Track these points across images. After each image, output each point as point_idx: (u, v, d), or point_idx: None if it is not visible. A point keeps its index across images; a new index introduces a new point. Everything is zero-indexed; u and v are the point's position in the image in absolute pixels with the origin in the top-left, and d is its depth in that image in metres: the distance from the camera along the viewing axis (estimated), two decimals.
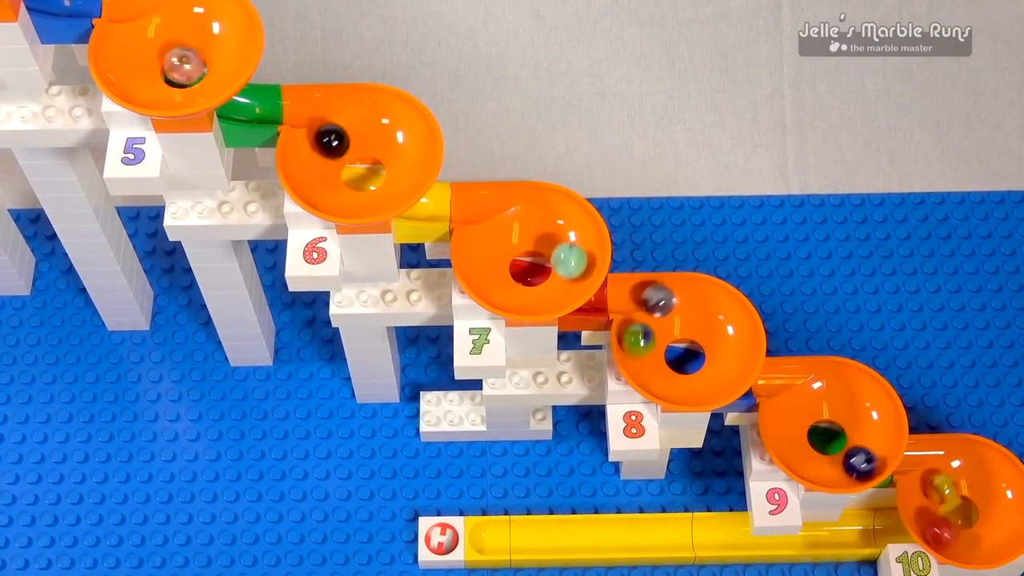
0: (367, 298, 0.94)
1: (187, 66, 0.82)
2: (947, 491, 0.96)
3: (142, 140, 0.86)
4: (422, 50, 1.21)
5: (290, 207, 0.88)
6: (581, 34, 1.22)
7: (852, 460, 0.92)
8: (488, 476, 1.06)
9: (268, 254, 1.14)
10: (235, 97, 0.85)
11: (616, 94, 1.20)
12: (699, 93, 1.20)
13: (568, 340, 0.98)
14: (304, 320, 1.12)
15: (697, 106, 1.20)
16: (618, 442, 0.95)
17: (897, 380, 1.09)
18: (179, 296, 1.13)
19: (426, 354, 1.11)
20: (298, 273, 0.89)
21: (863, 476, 0.93)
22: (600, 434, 1.07)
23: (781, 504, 0.97)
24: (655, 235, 1.15)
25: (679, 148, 1.19)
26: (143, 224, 1.16)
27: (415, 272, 0.95)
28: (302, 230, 0.90)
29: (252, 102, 0.86)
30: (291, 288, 0.90)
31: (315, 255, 0.90)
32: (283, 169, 0.85)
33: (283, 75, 1.21)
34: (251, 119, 0.86)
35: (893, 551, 0.99)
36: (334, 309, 0.94)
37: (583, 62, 1.21)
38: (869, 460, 0.92)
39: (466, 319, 0.93)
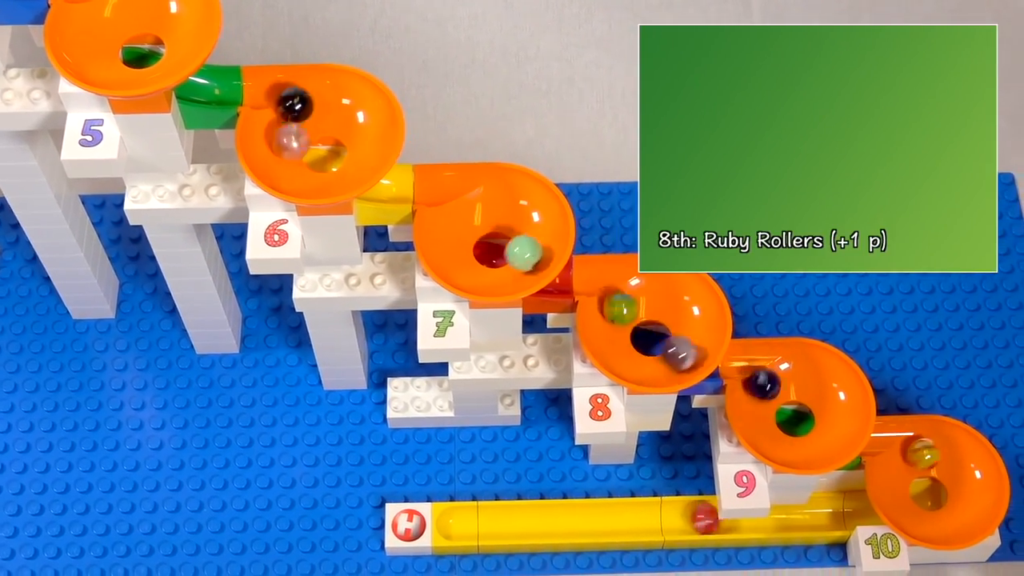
0: (331, 282, 0.94)
1: (294, 144, 0.84)
2: (927, 456, 0.95)
3: (100, 122, 0.86)
4: (390, 36, 1.21)
5: (251, 189, 0.87)
6: (550, 19, 1.21)
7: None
8: (456, 462, 1.06)
9: (234, 241, 1.13)
10: (194, 78, 0.84)
11: (585, 79, 1.20)
12: None
13: (537, 325, 0.98)
14: (271, 307, 1.11)
15: None
16: (584, 425, 0.95)
17: (867, 363, 1.08)
18: (145, 284, 1.12)
19: (394, 340, 1.10)
20: (259, 256, 0.89)
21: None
22: (569, 419, 1.07)
23: (749, 486, 0.97)
24: (624, 220, 1.15)
25: None
26: (108, 212, 1.15)
27: (379, 255, 0.95)
28: (263, 212, 0.89)
29: (211, 83, 0.85)
30: (252, 271, 0.89)
31: (276, 237, 0.89)
32: (243, 150, 0.84)
33: (251, 61, 1.19)
34: (210, 100, 0.85)
35: (862, 533, 0.99)
36: (297, 293, 0.93)
37: (552, 47, 1.21)
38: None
39: (430, 302, 0.92)
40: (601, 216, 1.15)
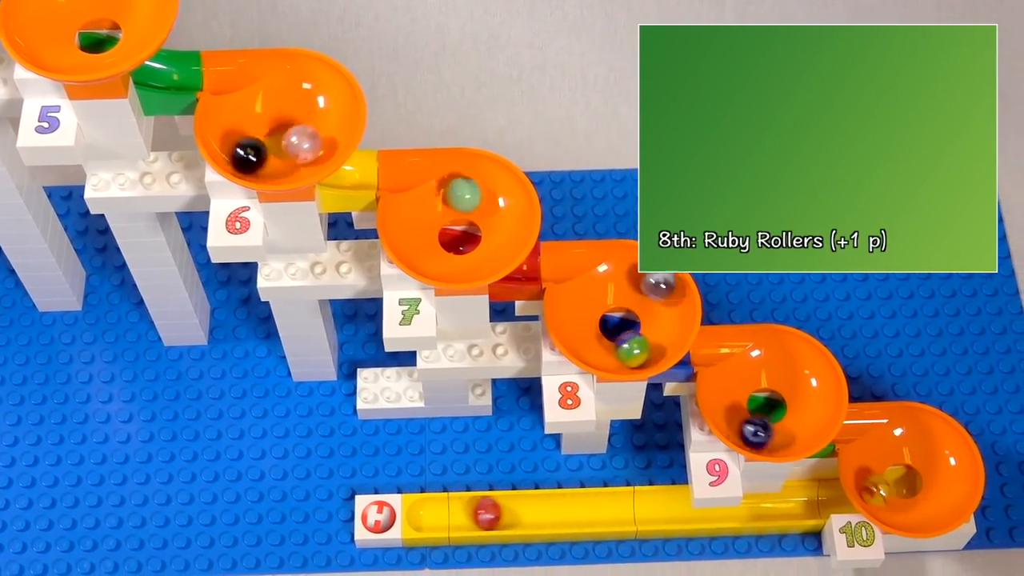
0: (296, 271, 0.92)
1: (306, 145, 0.82)
2: (882, 492, 0.95)
3: (57, 108, 0.84)
4: (359, 23, 1.19)
5: (211, 176, 0.86)
6: (520, 6, 1.20)
7: (745, 429, 0.91)
8: (427, 453, 1.04)
9: (203, 231, 1.12)
10: (151, 63, 0.83)
11: (557, 66, 1.19)
12: None
13: (509, 313, 0.97)
14: (240, 298, 1.10)
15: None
16: (553, 413, 0.93)
17: (842, 350, 1.07)
18: (112, 276, 1.11)
19: (364, 331, 1.09)
20: (220, 243, 0.87)
21: (755, 446, 0.91)
22: (541, 409, 1.05)
23: (721, 475, 0.96)
24: (597, 208, 1.14)
25: (622, 120, 1.17)
26: (76, 203, 1.13)
27: (345, 243, 0.93)
28: (224, 200, 0.88)
29: (169, 68, 0.84)
30: (213, 259, 0.88)
31: (238, 225, 0.87)
32: (201, 136, 0.83)
33: (219, 49, 1.18)
34: (169, 86, 0.84)
35: (837, 522, 0.98)
36: (262, 282, 0.92)
37: (523, 34, 1.19)
38: (763, 429, 0.91)
39: (395, 290, 0.91)
40: (573, 204, 1.14)
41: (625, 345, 0.87)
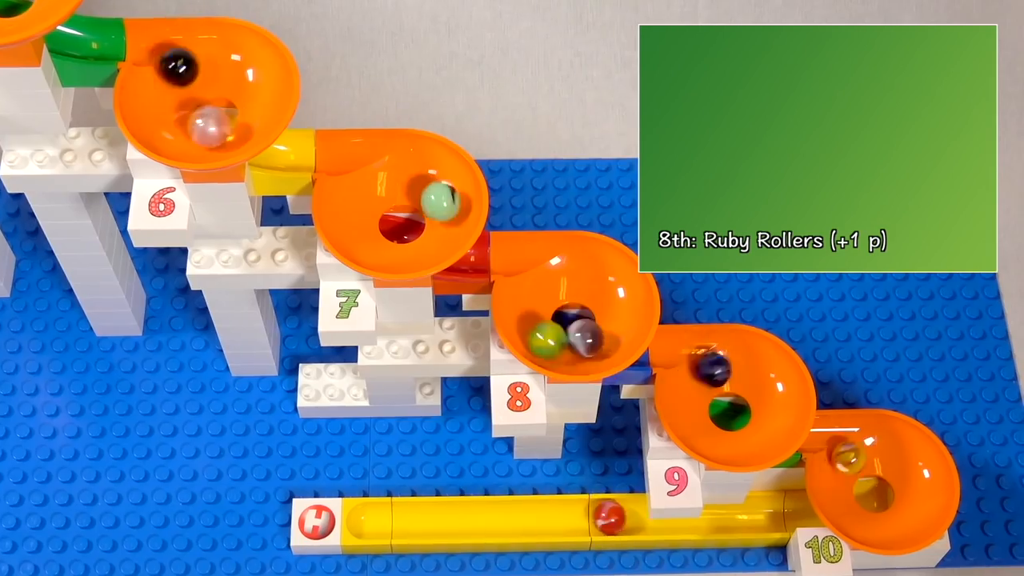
0: (228, 258, 0.87)
1: (212, 129, 0.76)
2: (852, 460, 0.89)
3: None
4: (312, 0, 1.14)
5: (133, 153, 0.80)
6: None
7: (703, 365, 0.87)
8: (371, 455, 0.99)
9: None
10: (68, 29, 0.77)
11: (520, 49, 1.14)
12: (608, 49, 1.14)
13: (460, 310, 0.91)
14: (177, 287, 1.04)
15: (606, 63, 1.13)
16: (502, 415, 0.88)
17: (813, 354, 1.02)
18: (43, 261, 1.05)
19: (308, 324, 1.03)
20: (142, 226, 0.82)
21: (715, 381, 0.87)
22: None
23: (680, 484, 0.90)
24: (558, 199, 1.08)
25: (586, 107, 1.12)
26: None
27: (282, 230, 0.88)
28: (148, 179, 0.82)
29: (87, 36, 0.78)
30: (136, 243, 0.82)
31: (162, 207, 0.82)
32: (121, 110, 0.77)
33: None
34: (88, 55, 0.78)
35: (803, 535, 0.93)
36: (191, 269, 0.86)
37: (484, 15, 1.14)
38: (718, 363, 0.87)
39: (333, 280, 0.85)
40: (534, 195, 1.08)
41: (539, 335, 0.82)
